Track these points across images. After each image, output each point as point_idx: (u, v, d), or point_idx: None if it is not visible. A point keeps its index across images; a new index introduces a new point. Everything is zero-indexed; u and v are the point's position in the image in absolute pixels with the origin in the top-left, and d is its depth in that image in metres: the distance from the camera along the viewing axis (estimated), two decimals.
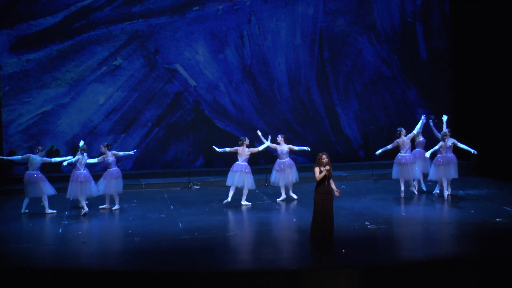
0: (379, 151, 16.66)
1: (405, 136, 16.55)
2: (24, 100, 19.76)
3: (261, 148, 16.43)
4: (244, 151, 16.13)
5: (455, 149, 16.38)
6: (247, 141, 16.22)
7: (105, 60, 20.13)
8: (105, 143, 16.15)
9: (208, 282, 10.64)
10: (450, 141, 16.28)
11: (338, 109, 21.45)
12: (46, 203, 15.51)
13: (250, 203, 16.11)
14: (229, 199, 16.06)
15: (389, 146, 16.71)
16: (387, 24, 21.45)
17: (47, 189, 15.57)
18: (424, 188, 17.21)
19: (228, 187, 16.26)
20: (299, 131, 21.17)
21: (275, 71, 21.05)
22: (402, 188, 16.47)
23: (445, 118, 17.21)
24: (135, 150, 17.50)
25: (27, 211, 15.61)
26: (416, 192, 16.65)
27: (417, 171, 16.54)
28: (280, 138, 16.62)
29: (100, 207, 15.95)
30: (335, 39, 21.24)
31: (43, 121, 19.87)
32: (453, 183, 16.74)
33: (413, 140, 17.00)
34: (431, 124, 17.22)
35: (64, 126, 19.98)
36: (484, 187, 17.47)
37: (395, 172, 16.64)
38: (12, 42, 19.62)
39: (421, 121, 16.95)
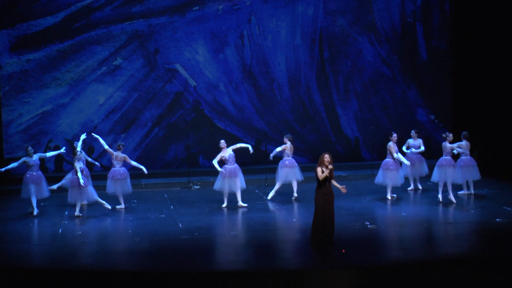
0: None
1: (394, 142, 16.39)
2: (24, 100, 19.76)
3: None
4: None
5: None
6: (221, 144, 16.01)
7: (105, 60, 20.13)
8: (121, 143, 16.09)
9: (208, 282, 10.64)
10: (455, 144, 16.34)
11: (338, 109, 21.45)
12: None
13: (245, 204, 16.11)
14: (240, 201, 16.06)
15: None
16: (387, 24, 21.45)
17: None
18: (419, 186, 17.42)
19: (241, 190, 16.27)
20: (299, 131, 21.16)
21: (275, 71, 21.05)
22: (388, 194, 16.42)
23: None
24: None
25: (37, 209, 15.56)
26: (389, 198, 16.35)
27: (401, 176, 16.48)
28: (224, 144, 16.15)
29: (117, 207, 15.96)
30: (335, 39, 21.24)
31: (43, 121, 19.87)
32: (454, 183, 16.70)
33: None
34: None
35: (64, 126, 19.98)
36: (484, 187, 17.45)
37: (380, 177, 16.56)
38: (12, 42, 19.62)
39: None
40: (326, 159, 12.12)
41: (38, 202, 15.59)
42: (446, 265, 11.07)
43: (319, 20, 21.14)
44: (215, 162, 15.82)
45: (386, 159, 16.41)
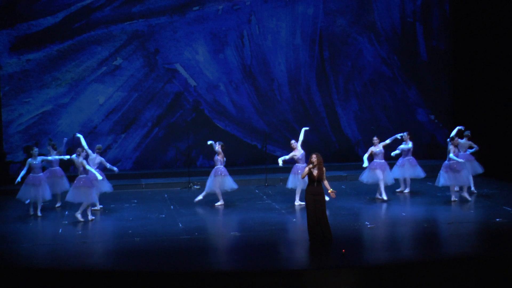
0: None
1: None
2: (24, 100, 19.76)
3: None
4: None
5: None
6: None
7: (105, 60, 20.13)
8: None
9: (208, 282, 10.64)
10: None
11: (338, 109, 21.45)
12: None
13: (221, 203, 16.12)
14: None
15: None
16: (387, 24, 21.46)
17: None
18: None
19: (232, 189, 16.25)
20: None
21: (275, 71, 21.06)
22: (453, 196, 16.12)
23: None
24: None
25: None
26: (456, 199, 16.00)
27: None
28: (295, 144, 16.07)
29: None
30: (335, 39, 21.24)
31: (43, 121, 19.88)
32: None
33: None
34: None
35: (64, 126, 19.98)
36: (484, 187, 17.46)
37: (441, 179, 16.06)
38: (12, 42, 19.63)
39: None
40: (312, 159, 12.22)
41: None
42: (446, 265, 11.07)
43: (319, 20, 21.14)
44: (280, 160, 15.77)
45: (446, 162, 15.74)
